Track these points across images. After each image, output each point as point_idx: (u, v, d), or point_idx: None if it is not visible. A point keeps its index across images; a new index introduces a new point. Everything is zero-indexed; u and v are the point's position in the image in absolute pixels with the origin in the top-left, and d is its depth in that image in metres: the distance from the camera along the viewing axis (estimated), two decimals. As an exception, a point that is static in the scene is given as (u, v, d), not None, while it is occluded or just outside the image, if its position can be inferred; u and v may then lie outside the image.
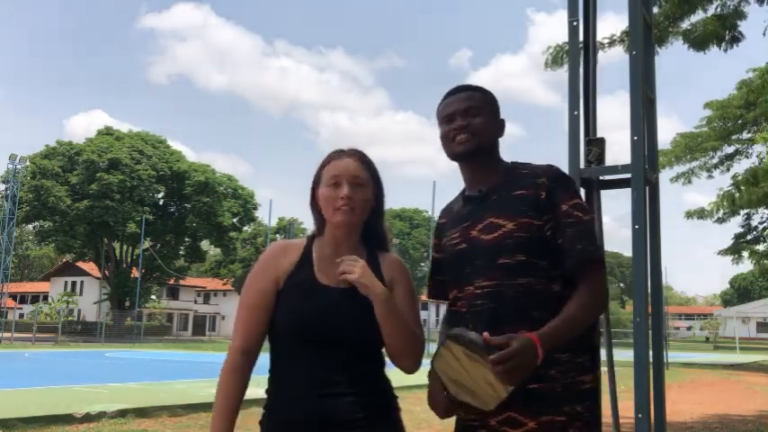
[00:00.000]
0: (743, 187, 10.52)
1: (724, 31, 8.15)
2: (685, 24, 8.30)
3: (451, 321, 2.07)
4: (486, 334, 1.72)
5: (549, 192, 1.97)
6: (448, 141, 2.08)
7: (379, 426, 1.87)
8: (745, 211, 22.36)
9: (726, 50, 8.39)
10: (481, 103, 2.08)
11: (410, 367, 1.94)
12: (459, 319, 2.00)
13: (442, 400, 1.90)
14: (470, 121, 2.04)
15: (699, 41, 8.17)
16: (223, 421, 1.89)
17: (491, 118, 2.09)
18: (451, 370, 1.80)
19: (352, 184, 1.94)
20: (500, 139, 2.14)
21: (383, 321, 1.87)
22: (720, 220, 22.86)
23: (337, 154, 2.02)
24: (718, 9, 8.31)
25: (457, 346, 1.76)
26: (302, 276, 1.94)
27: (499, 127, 2.13)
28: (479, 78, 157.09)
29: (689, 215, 22.69)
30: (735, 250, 24.84)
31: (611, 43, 8.34)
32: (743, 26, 8.38)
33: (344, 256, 1.95)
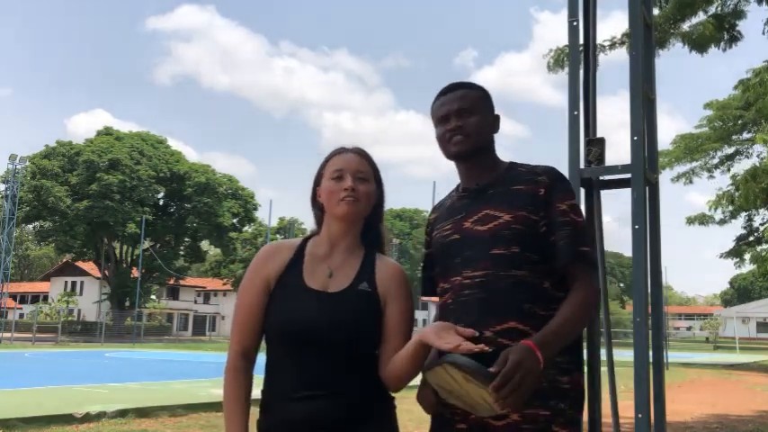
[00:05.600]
0: (741, 185, 10.56)
1: (722, 32, 8.14)
2: (686, 26, 8.29)
3: (440, 315, 2.07)
4: (493, 369, 1.65)
5: (548, 189, 1.99)
6: (444, 142, 2.09)
7: (369, 427, 1.87)
8: (746, 212, 22.34)
9: (724, 50, 8.38)
10: (475, 102, 2.08)
11: (393, 389, 1.94)
12: (446, 312, 2.00)
13: (430, 399, 1.93)
14: (465, 121, 2.04)
15: (698, 43, 8.15)
16: (236, 425, 1.88)
17: (485, 116, 2.10)
18: (445, 383, 1.79)
19: (356, 178, 1.96)
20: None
21: (407, 360, 1.84)
22: (722, 222, 22.86)
23: (339, 150, 2.04)
24: (718, 9, 8.30)
25: (454, 370, 1.70)
26: (291, 278, 1.93)
27: (494, 123, 2.13)
28: (484, 77, 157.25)
29: (690, 221, 22.70)
30: (737, 253, 24.82)
31: (612, 45, 8.33)
32: (746, 25, 8.37)
33: (340, 255, 1.96)
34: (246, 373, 1.93)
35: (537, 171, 2.04)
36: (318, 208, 2.03)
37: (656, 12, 7.83)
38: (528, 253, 1.94)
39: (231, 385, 1.91)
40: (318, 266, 1.95)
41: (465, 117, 2.05)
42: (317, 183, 2.03)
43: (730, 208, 19.23)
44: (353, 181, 1.94)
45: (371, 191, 1.99)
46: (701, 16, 8.30)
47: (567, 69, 8.77)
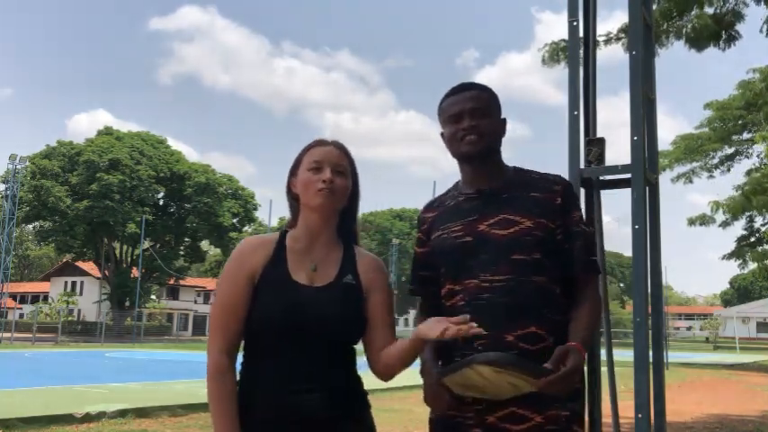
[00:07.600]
0: (752, 197, 10.56)
1: (720, 30, 8.11)
2: (682, 22, 8.27)
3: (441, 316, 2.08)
4: (548, 365, 1.76)
5: (564, 199, 2.04)
6: (455, 141, 2.07)
7: (350, 423, 1.89)
8: (748, 214, 22.33)
9: (723, 50, 8.36)
10: (488, 104, 2.09)
11: (386, 378, 1.98)
12: (457, 314, 1.98)
13: (443, 397, 1.89)
14: (479, 121, 2.04)
15: (695, 40, 8.13)
16: (226, 425, 1.86)
17: (497, 118, 2.11)
18: (468, 381, 1.80)
19: (334, 171, 1.95)
20: (503, 138, 2.16)
21: (404, 354, 1.88)
22: (725, 224, 22.85)
23: (319, 142, 2.03)
24: (717, 9, 8.28)
25: (485, 368, 1.73)
26: (276, 273, 1.92)
27: (503, 126, 2.14)
28: (486, 77, 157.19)
29: (691, 222, 22.70)
30: (738, 254, 24.80)
31: (608, 41, 8.31)
32: (746, 25, 8.34)
33: (321, 249, 1.96)
34: (232, 372, 1.91)
35: (550, 179, 2.08)
36: (293, 198, 2.02)
37: (653, 8, 7.79)
38: (547, 260, 1.98)
39: (217, 388, 1.87)
40: (301, 261, 1.95)
41: (479, 117, 2.05)
42: (293, 173, 2.02)
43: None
44: (332, 173, 1.94)
45: (347, 185, 1.99)
46: (696, 12, 8.27)
47: (561, 64, 8.81)
